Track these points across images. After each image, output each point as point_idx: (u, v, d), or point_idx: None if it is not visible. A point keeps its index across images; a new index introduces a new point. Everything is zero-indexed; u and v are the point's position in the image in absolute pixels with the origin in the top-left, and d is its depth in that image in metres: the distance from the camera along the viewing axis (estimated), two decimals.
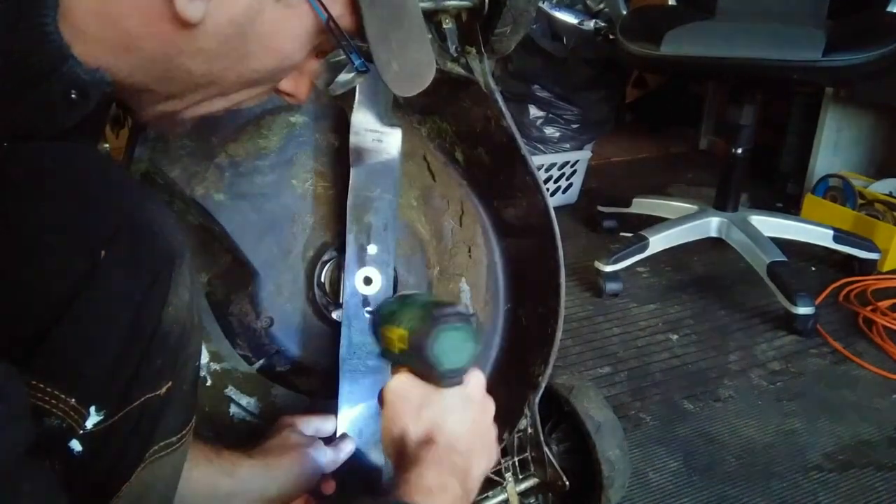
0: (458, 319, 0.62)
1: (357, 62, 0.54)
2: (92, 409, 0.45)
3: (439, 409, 0.62)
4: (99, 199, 0.48)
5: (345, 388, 0.81)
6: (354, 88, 0.79)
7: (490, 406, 0.66)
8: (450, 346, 0.61)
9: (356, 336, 0.80)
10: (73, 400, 0.44)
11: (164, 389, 0.50)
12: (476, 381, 0.65)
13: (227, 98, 0.54)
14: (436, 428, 0.62)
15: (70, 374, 0.44)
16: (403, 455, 0.61)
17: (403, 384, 0.64)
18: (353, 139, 0.81)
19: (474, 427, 0.64)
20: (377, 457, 0.82)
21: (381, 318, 0.69)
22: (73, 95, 0.45)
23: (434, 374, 0.62)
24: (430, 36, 0.58)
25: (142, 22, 0.45)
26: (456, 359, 0.62)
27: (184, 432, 0.54)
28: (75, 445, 0.45)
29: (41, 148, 0.48)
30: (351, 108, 0.81)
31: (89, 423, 0.45)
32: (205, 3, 0.44)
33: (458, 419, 0.63)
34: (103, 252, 0.46)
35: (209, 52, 0.48)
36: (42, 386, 0.43)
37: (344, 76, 0.65)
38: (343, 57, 0.56)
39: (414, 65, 0.55)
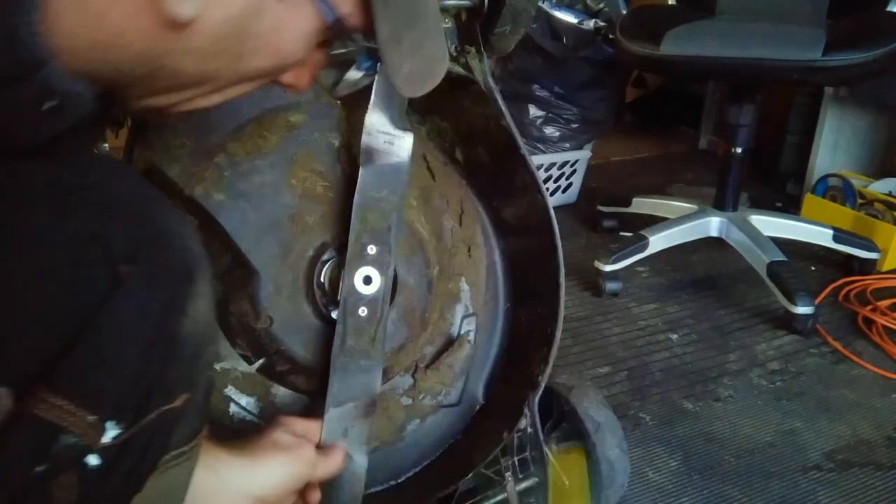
0: None
1: (365, 64, 0.52)
2: (110, 423, 0.44)
3: None
4: (120, 213, 0.46)
5: (334, 387, 0.80)
6: (370, 90, 0.78)
7: None
8: None
9: (351, 336, 0.80)
10: (93, 417, 0.43)
11: (179, 401, 0.49)
12: None
13: (222, 93, 0.51)
14: None
15: (90, 391, 0.43)
16: None
17: None
18: (365, 139, 0.80)
19: None
20: (361, 459, 0.81)
21: None
22: (46, 107, 0.41)
23: None
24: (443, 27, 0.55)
25: (125, 16, 0.41)
26: None
27: (195, 441, 0.54)
28: (91, 460, 0.44)
29: (60, 160, 0.46)
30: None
31: (106, 438, 0.44)
32: (197, 1, 0.41)
33: None
34: (124, 268, 0.44)
35: (201, 51, 0.44)
36: (61, 403, 0.42)
37: (352, 75, 0.62)
38: (349, 50, 0.53)
39: (427, 63, 0.51)
